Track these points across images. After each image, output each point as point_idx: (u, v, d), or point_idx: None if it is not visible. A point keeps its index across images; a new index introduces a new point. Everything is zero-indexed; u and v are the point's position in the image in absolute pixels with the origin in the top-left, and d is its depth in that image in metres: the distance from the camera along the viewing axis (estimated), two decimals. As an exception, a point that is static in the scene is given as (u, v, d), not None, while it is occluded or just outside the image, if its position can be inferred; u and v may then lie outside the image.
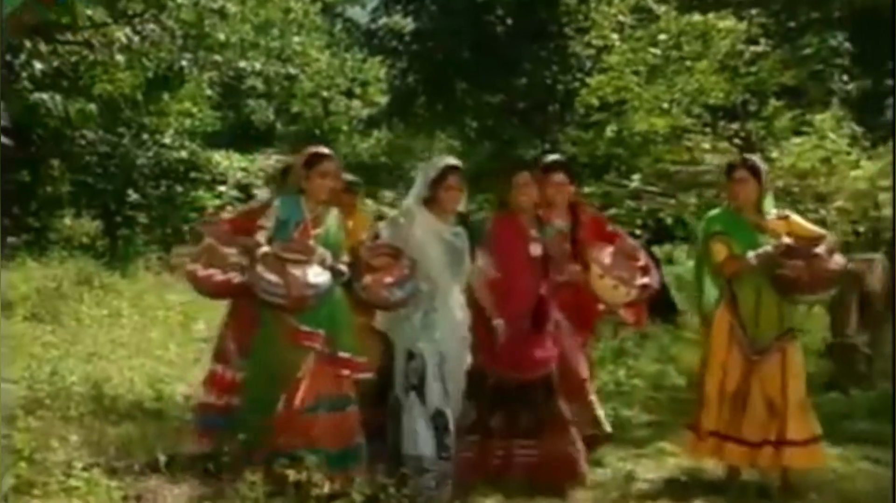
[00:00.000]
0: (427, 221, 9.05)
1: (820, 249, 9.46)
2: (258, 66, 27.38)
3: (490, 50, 26.92)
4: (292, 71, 28.08)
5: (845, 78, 21.61)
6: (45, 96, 22.83)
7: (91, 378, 12.99)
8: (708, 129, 19.15)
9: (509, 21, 27.04)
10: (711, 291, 9.76)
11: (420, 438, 8.69)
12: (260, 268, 8.35)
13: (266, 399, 8.67)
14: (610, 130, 19.95)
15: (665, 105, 19.50)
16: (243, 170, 26.96)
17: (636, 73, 19.29)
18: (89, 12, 22.32)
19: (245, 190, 26.50)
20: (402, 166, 27.82)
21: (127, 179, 26.06)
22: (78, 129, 24.83)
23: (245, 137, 28.57)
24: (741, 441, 9.49)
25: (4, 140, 22.76)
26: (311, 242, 8.67)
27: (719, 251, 9.56)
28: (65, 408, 11.32)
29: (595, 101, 20.20)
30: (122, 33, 22.24)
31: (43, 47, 22.61)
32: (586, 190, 16.23)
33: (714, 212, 10.07)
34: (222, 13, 23.11)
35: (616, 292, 9.83)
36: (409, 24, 28.25)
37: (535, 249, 9.58)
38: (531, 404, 9.37)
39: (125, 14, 22.81)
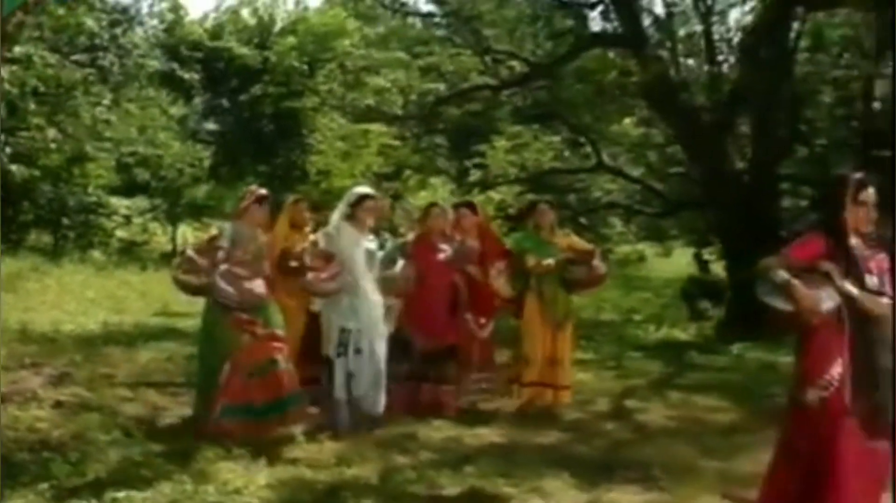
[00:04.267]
0: (350, 233, 7.81)
1: (595, 261, 8.93)
2: (140, 150, 27.26)
3: (260, 141, 27.26)
4: (159, 152, 27.55)
5: (444, 159, 22.34)
6: (13, 167, 22.46)
7: (22, 320, 12.81)
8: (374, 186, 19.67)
9: (272, 126, 27.41)
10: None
11: (342, 388, 7.67)
12: (219, 280, 7.26)
13: (216, 368, 7.30)
14: (323, 187, 20.42)
15: (355, 172, 20.08)
16: (127, 207, 26.56)
17: (336, 155, 19.96)
18: (36, 121, 22.27)
19: (128, 219, 26.56)
20: (222, 205, 27.21)
21: (63, 212, 25.49)
22: (34, 185, 24.27)
23: (132, 188, 28.01)
24: (555, 386, 8.74)
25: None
26: (250, 258, 7.40)
27: (531, 259, 8.73)
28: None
29: (315, 170, 20.80)
30: (53, 132, 22.14)
31: (10, 139, 22.37)
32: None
33: (522, 233, 9.38)
34: (108, 122, 23.12)
35: (506, 288, 8.84)
36: (217, 127, 28.40)
37: (442, 257, 8.61)
38: (441, 363, 8.47)
39: (54, 121, 22.61)
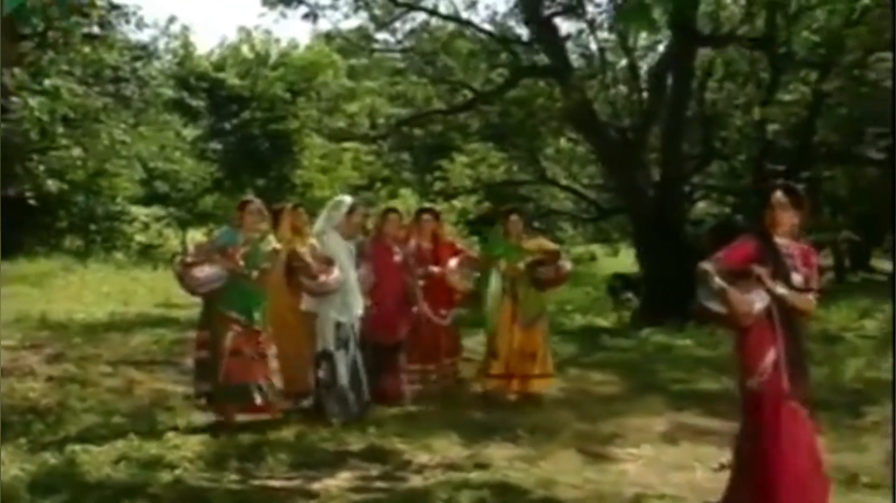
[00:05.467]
0: (336, 237, 7.65)
1: (561, 261, 8.63)
2: (160, 165, 27.80)
3: (256, 157, 27.54)
4: (177, 167, 28.14)
5: (409, 173, 22.46)
6: (49, 181, 22.85)
7: (45, 311, 13.18)
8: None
9: (267, 145, 27.72)
10: (494, 287, 8.46)
11: (344, 375, 7.46)
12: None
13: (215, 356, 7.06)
14: (307, 197, 20.68)
15: (334, 184, 20.35)
16: (146, 215, 26.91)
17: (317, 170, 20.28)
18: (64, 142, 22.74)
19: (147, 225, 26.86)
20: (226, 213, 27.27)
21: (92, 220, 25.87)
22: (67, 197, 24.71)
23: (153, 198, 28.38)
24: (531, 376, 8.47)
25: (32, 202, 22.85)
26: (237, 257, 7.08)
27: (502, 264, 8.45)
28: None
29: (300, 183, 21.10)
30: (77, 151, 22.55)
31: (43, 158, 22.86)
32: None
33: (493, 240, 8.93)
34: (124, 142, 23.48)
35: (461, 283, 8.60)
36: (220, 146, 28.68)
37: (397, 258, 8.37)
38: (395, 355, 8.20)
39: (80, 142, 23.05)
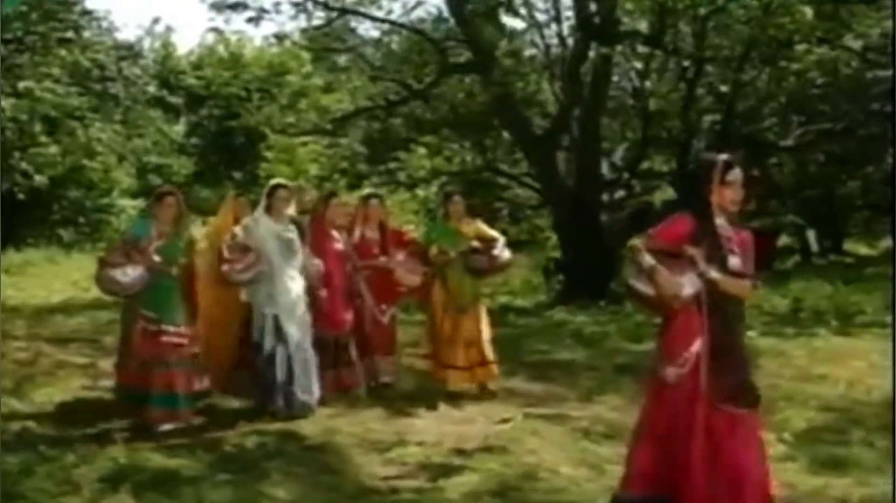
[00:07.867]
0: (266, 224, 7.28)
1: (496, 250, 8.28)
2: (154, 159, 28.87)
3: (233, 152, 28.50)
4: (169, 161, 29.18)
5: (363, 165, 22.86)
6: (37, 177, 23.97)
7: (6, 297, 14.13)
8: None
9: (242, 138, 28.69)
10: None
11: (266, 369, 7.27)
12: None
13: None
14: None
15: (297, 177, 20.97)
16: (133, 208, 27.56)
17: (279, 162, 21.07)
18: (42, 139, 24.05)
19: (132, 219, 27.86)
20: (210, 204, 27.83)
21: (81, 213, 27.07)
22: (54, 191, 25.86)
23: (143, 193, 29.40)
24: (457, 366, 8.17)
25: (21, 196, 23.92)
26: (151, 251, 6.86)
27: (433, 250, 8.21)
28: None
29: (264, 174, 21.75)
30: (54, 148, 23.79)
31: (24, 155, 24.11)
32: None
33: (432, 224, 8.70)
34: (100, 140, 24.59)
35: (407, 277, 8.22)
36: (200, 143, 29.77)
37: (339, 246, 7.99)
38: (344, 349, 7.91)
39: (58, 141, 24.32)
